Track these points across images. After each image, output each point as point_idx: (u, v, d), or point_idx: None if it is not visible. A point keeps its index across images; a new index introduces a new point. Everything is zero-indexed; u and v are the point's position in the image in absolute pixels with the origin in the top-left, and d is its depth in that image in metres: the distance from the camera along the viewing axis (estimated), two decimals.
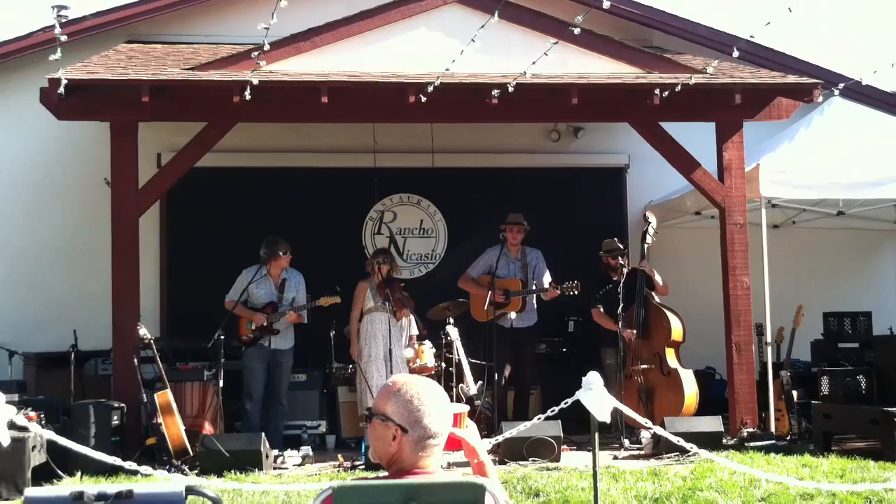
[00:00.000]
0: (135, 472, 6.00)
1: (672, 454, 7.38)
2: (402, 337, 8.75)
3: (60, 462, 6.98)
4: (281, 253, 8.57)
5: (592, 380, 5.81)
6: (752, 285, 8.60)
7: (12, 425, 5.60)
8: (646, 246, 8.64)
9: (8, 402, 5.35)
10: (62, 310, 9.73)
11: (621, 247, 8.97)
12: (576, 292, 8.70)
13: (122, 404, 7.73)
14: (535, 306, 9.08)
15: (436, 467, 2.67)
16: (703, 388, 8.71)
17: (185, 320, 9.83)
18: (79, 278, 9.94)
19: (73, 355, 8.80)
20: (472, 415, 7.83)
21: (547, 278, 8.99)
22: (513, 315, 8.70)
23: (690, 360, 8.77)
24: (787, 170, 8.61)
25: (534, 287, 8.96)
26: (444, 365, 8.71)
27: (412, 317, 8.80)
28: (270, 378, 8.60)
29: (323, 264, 9.47)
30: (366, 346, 8.65)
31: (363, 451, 7.53)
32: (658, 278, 8.66)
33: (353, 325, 8.80)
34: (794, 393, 8.46)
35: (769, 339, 8.74)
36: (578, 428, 7.78)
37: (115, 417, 7.58)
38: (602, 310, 8.75)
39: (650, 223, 8.70)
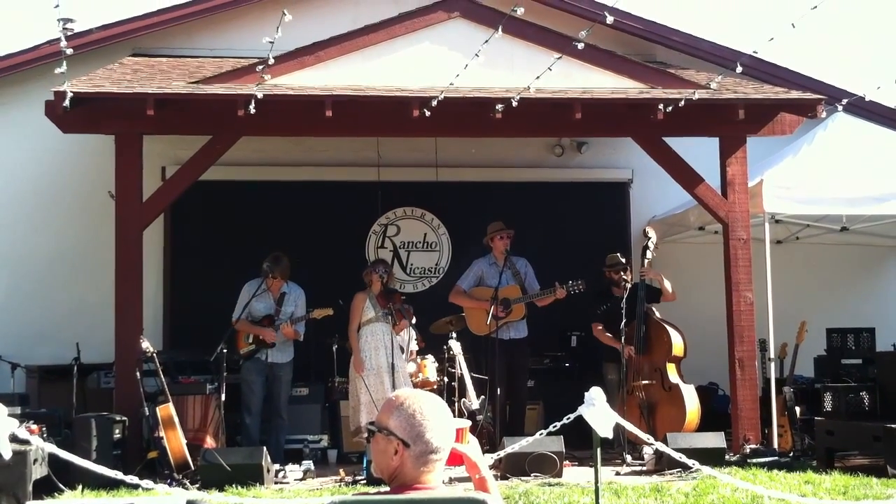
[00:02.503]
0: (136, 486, 6.01)
1: (674, 470, 7.34)
2: (405, 348, 8.72)
3: (62, 475, 6.94)
4: (271, 276, 8.55)
5: (595, 395, 5.81)
6: (756, 301, 8.59)
7: (14, 438, 5.60)
8: (646, 262, 8.60)
9: (10, 415, 5.36)
10: (65, 322, 9.73)
11: (624, 262, 8.95)
12: (581, 289, 8.65)
13: (124, 417, 7.70)
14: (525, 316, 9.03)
15: (437, 482, 2.66)
16: (705, 404, 8.68)
17: (188, 333, 9.82)
18: (82, 291, 9.95)
19: (75, 368, 8.79)
20: (473, 430, 7.83)
21: (537, 287, 8.96)
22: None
23: (693, 375, 8.74)
24: (791, 185, 8.60)
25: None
26: (446, 379, 8.68)
27: (412, 330, 8.78)
28: (269, 392, 8.59)
29: (326, 278, 9.45)
30: (366, 357, 8.57)
31: (365, 465, 7.52)
32: (667, 284, 8.63)
33: (352, 337, 8.67)
34: (797, 409, 8.44)
35: (772, 355, 8.71)
36: (581, 443, 7.75)
37: (117, 431, 7.55)
38: (602, 326, 8.75)
39: (650, 238, 8.66)
